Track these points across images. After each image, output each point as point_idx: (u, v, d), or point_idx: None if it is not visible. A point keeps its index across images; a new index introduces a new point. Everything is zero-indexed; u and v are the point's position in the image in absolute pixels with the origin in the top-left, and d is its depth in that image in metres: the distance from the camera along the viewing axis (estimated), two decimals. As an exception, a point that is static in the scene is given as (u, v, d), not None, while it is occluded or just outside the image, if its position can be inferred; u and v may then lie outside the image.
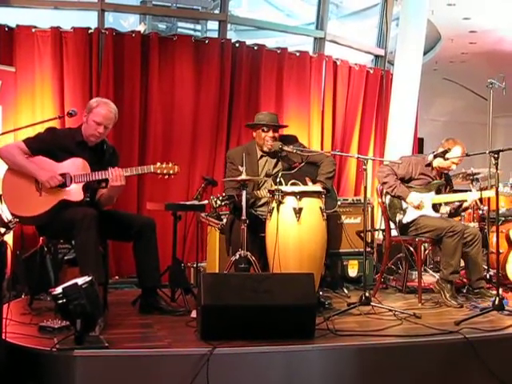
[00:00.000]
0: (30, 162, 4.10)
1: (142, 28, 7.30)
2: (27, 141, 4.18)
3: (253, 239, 4.52)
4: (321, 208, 4.38)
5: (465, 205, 5.13)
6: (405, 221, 5.02)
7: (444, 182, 5.24)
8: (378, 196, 5.22)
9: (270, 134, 4.81)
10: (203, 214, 5.38)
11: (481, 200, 6.08)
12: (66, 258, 4.74)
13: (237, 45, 6.74)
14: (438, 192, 5.13)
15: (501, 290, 4.39)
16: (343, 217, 5.67)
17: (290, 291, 3.57)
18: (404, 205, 5.04)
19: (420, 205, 4.99)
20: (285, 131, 5.44)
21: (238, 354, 3.30)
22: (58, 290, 3.17)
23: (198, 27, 8.20)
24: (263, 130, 4.82)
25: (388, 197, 5.10)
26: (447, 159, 5.08)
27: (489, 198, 5.73)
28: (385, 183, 5.07)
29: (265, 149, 4.85)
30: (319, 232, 4.36)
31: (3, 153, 4.13)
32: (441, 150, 5.14)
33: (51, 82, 5.99)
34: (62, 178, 4.06)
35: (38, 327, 3.59)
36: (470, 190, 5.43)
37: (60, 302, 3.15)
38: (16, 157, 4.08)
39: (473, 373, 3.62)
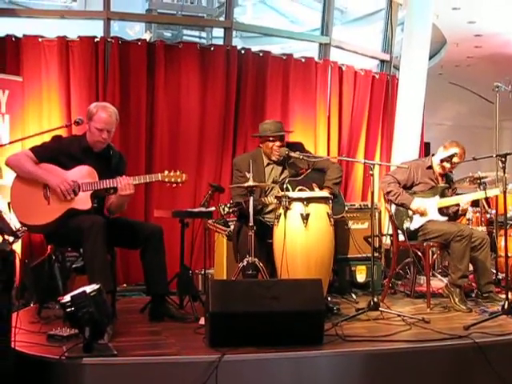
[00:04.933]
0: (40, 168, 4.12)
1: (147, 36, 7.33)
2: (34, 149, 4.20)
3: (260, 245, 4.51)
4: (328, 213, 4.38)
5: (461, 207, 5.11)
6: (412, 227, 5.00)
7: (448, 185, 5.23)
8: (386, 202, 5.21)
9: (277, 143, 4.80)
10: (210, 221, 5.38)
11: (488, 203, 6.08)
12: (74, 266, 4.74)
13: (242, 51, 6.75)
14: (443, 195, 5.12)
15: (510, 294, 4.36)
16: (350, 222, 5.66)
17: (298, 297, 3.57)
18: (410, 212, 5.02)
19: (424, 212, 4.97)
20: (291, 138, 5.44)
21: (247, 360, 3.29)
22: (67, 298, 3.18)
23: (204, 35, 8.22)
24: (269, 141, 4.82)
25: (394, 205, 5.09)
26: (454, 163, 5.08)
27: (497, 202, 5.72)
28: (388, 192, 5.07)
29: (273, 158, 4.85)
30: (327, 237, 4.36)
31: (12, 161, 4.15)
32: (441, 151, 5.13)
33: (58, 91, 6.02)
34: (72, 183, 4.07)
35: (46, 336, 3.60)
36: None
37: (68, 310, 3.16)
38: (25, 164, 4.10)
39: (482, 377, 3.60)
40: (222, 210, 4.50)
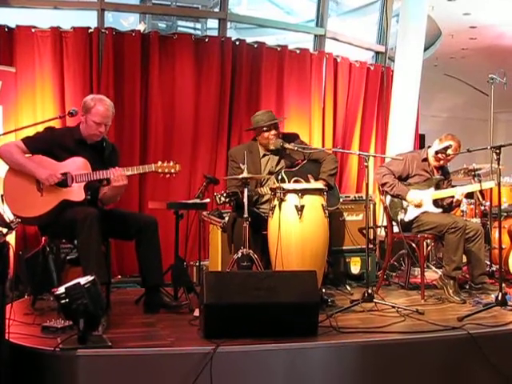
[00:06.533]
0: (29, 160, 4.11)
1: (141, 27, 7.29)
2: (26, 140, 4.18)
3: (255, 237, 4.52)
4: (323, 205, 4.38)
5: (456, 199, 5.11)
6: (407, 219, 5.01)
7: (443, 176, 5.23)
8: (380, 193, 5.21)
9: (273, 132, 4.82)
10: (205, 213, 5.38)
11: (483, 195, 6.09)
12: (68, 257, 4.74)
13: (237, 43, 6.73)
14: (438, 187, 5.13)
15: (503, 286, 4.38)
16: (345, 214, 5.67)
17: (292, 289, 3.57)
18: (405, 203, 5.02)
19: (420, 203, 4.98)
20: (286, 129, 5.44)
21: (241, 352, 3.29)
22: (61, 289, 3.17)
23: (198, 26, 8.17)
24: (264, 131, 4.82)
25: (388, 197, 5.09)
26: (449, 155, 5.08)
27: (491, 194, 5.74)
28: (384, 184, 5.07)
29: (271, 147, 4.84)
30: (321, 229, 4.36)
31: (2, 152, 4.13)
32: (437, 143, 5.13)
33: (51, 82, 5.99)
34: (62, 176, 4.06)
35: (40, 327, 3.59)
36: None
37: (63, 301, 3.15)
38: (15, 155, 4.09)
39: (476, 368, 3.61)
40: (217, 200, 4.50)
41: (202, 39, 6.63)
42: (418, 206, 4.98)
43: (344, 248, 5.61)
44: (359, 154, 4.77)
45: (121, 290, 5.47)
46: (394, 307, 4.27)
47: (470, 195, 6.05)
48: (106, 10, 6.44)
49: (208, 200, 4.79)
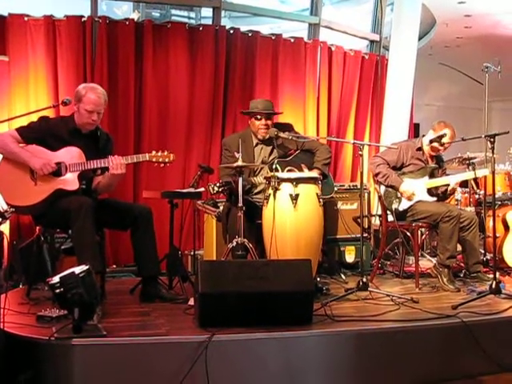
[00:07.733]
0: (24, 150, 4.09)
1: (135, 16, 7.25)
2: (20, 129, 4.16)
3: (250, 226, 4.52)
4: (317, 194, 4.38)
5: (450, 187, 5.11)
6: (401, 208, 5.00)
7: (437, 165, 5.23)
8: (375, 183, 5.21)
9: (263, 122, 4.81)
10: (200, 202, 5.38)
11: (477, 184, 6.10)
12: (62, 247, 4.74)
13: (231, 31, 6.70)
14: (432, 176, 5.12)
15: (498, 274, 4.40)
16: (340, 203, 5.67)
17: (287, 277, 3.57)
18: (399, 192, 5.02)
19: (411, 196, 4.96)
20: (280, 118, 5.43)
21: (236, 340, 3.30)
22: (56, 279, 3.17)
23: (192, 15, 8.14)
24: (256, 119, 4.82)
25: (383, 186, 5.09)
26: (443, 144, 5.07)
27: (485, 183, 5.75)
28: (378, 174, 5.06)
29: (259, 137, 4.85)
30: (316, 218, 4.37)
31: None
32: (431, 133, 5.13)
33: (45, 71, 5.94)
34: (56, 165, 4.05)
35: (35, 317, 3.59)
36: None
37: (57, 291, 3.15)
38: (9, 145, 4.07)
39: (470, 356, 3.63)
40: (211, 190, 4.50)
41: (195, 28, 6.59)
42: (409, 198, 4.96)
43: (338, 237, 5.62)
44: (354, 143, 4.76)
45: (116, 279, 5.47)
46: (388, 296, 4.29)
47: (464, 184, 6.07)
48: (100, -2, 6.40)
49: (203, 189, 4.79)
